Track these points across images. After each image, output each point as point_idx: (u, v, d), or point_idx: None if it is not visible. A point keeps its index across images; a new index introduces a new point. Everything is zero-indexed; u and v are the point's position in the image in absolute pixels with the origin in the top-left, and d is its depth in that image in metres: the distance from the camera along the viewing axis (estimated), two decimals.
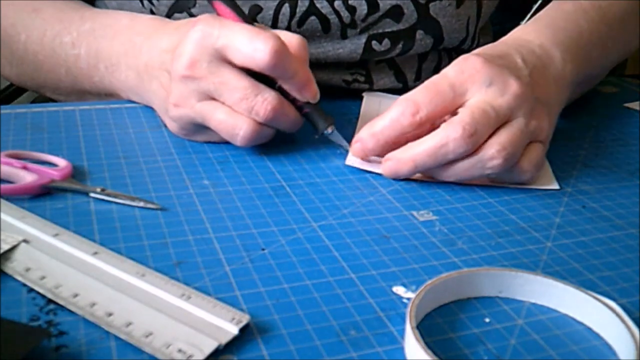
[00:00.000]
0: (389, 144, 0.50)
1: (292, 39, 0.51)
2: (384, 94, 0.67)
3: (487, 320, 0.36)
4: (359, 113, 0.62)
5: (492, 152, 0.47)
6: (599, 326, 0.36)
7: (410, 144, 0.49)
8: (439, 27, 0.66)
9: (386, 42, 0.65)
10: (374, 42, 0.65)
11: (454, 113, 0.48)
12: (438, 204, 0.48)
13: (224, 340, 0.33)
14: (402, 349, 0.34)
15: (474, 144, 0.47)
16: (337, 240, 0.43)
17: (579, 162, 0.56)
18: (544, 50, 0.55)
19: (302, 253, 0.41)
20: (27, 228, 0.40)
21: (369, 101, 0.65)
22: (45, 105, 0.60)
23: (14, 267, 0.37)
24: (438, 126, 0.48)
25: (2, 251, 0.38)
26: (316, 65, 0.53)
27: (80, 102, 0.63)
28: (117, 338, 0.33)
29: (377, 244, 0.42)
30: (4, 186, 0.45)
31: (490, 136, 0.47)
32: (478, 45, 0.71)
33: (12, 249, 0.38)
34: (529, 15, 0.61)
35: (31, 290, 0.36)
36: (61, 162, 0.48)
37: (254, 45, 0.48)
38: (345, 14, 0.63)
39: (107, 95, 0.62)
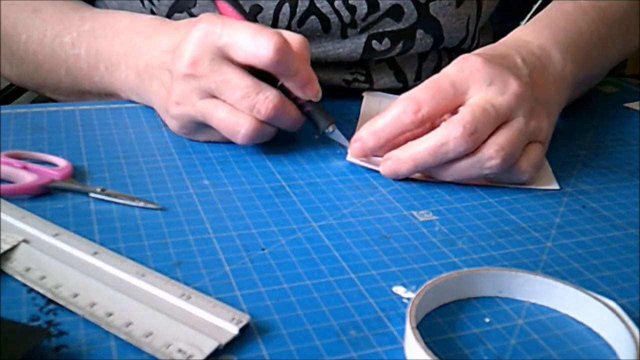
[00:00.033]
0: (389, 142, 0.50)
1: (293, 38, 0.51)
2: (384, 94, 0.67)
3: (487, 320, 0.36)
4: (359, 113, 0.62)
5: (491, 152, 0.47)
6: (599, 326, 0.36)
7: (410, 143, 0.49)
8: (439, 26, 0.66)
9: (386, 42, 0.65)
10: (374, 42, 0.65)
11: (454, 112, 0.48)
12: (438, 204, 0.48)
13: (224, 340, 0.33)
14: (402, 349, 0.34)
15: (475, 143, 0.47)
16: (337, 240, 0.43)
17: (579, 162, 0.56)
18: (544, 51, 0.55)
19: (302, 253, 0.41)
20: (27, 228, 0.40)
21: (369, 101, 0.65)
22: (45, 105, 0.60)
23: (14, 267, 0.37)
24: (438, 125, 0.48)
25: (2, 251, 0.38)
26: (316, 64, 0.53)
27: (80, 102, 0.63)
28: (117, 338, 0.33)
29: (377, 244, 0.42)
30: (4, 186, 0.45)
31: (489, 136, 0.47)
32: (478, 45, 0.71)
33: (12, 249, 0.38)
34: (528, 16, 0.61)
35: (31, 290, 0.36)
36: (61, 162, 0.48)
37: (257, 42, 0.48)
38: (345, 14, 0.63)
39: (107, 95, 0.62)
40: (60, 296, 0.35)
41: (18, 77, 0.69)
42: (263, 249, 0.41)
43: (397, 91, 0.59)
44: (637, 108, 0.70)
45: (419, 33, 0.65)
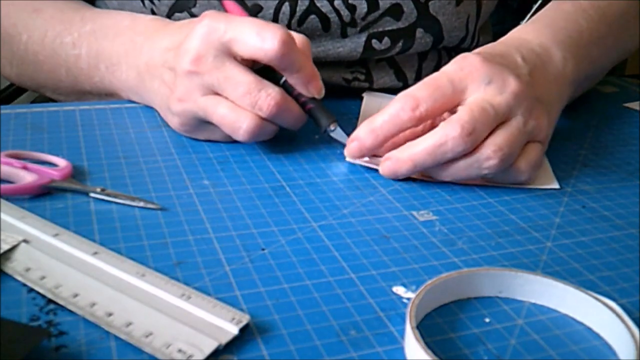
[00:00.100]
0: (387, 140, 0.50)
1: (296, 37, 0.52)
2: (384, 94, 0.67)
3: (487, 320, 0.36)
4: (359, 113, 0.62)
5: (489, 153, 0.47)
6: (599, 326, 0.36)
7: (409, 144, 0.49)
8: (438, 25, 0.66)
9: (386, 41, 0.65)
10: (374, 41, 0.65)
11: (453, 111, 0.48)
12: (438, 204, 0.48)
13: (224, 340, 0.33)
14: (402, 349, 0.34)
15: (473, 143, 0.47)
16: (337, 240, 0.43)
17: (579, 162, 0.56)
18: (544, 49, 0.55)
19: (302, 253, 0.41)
20: (27, 228, 0.40)
21: (369, 101, 0.65)
22: (45, 105, 0.60)
23: (14, 267, 0.37)
24: (437, 125, 0.48)
25: (2, 251, 0.38)
26: (316, 64, 0.53)
27: (80, 102, 0.63)
28: (117, 338, 0.33)
29: (377, 244, 0.42)
30: (4, 186, 0.45)
31: (487, 136, 0.47)
32: (478, 44, 0.71)
33: (12, 249, 0.38)
34: (529, 15, 0.61)
35: (31, 290, 0.36)
36: (61, 162, 0.48)
37: (262, 36, 0.48)
38: (345, 13, 0.63)
39: (107, 95, 0.62)
40: (60, 296, 0.35)
41: (18, 77, 0.69)
42: (263, 249, 0.41)
43: (397, 90, 0.59)
44: (637, 108, 0.70)
45: (419, 32, 0.65)
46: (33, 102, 0.91)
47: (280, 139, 0.54)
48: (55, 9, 0.64)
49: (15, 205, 0.43)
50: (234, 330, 0.33)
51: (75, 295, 0.35)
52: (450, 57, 0.70)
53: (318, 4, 0.62)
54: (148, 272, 0.37)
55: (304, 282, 0.38)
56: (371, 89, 0.68)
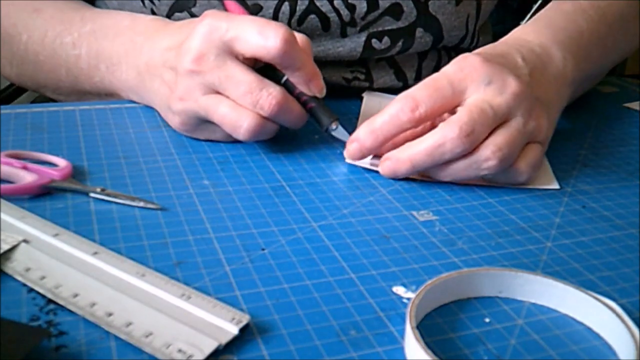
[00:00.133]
0: (387, 141, 0.50)
1: (297, 36, 0.52)
2: (384, 94, 0.67)
3: (487, 320, 0.36)
4: (359, 113, 0.62)
5: (488, 153, 0.47)
6: (599, 326, 0.36)
7: (408, 144, 0.49)
8: (438, 24, 0.66)
9: (386, 40, 0.65)
10: (373, 40, 0.65)
11: (452, 112, 0.48)
12: (438, 204, 0.48)
13: (224, 340, 0.33)
14: (402, 349, 0.34)
15: (472, 144, 0.47)
16: (337, 240, 0.43)
17: (579, 162, 0.56)
18: (545, 50, 0.55)
19: (302, 253, 0.41)
20: (27, 228, 0.40)
21: (369, 101, 0.65)
22: (45, 105, 0.60)
23: (14, 267, 0.37)
24: (437, 126, 0.48)
25: (2, 251, 0.38)
26: (316, 63, 0.53)
27: (80, 102, 0.63)
28: (117, 338, 0.33)
29: (377, 244, 0.42)
30: (4, 186, 0.45)
31: (487, 136, 0.47)
32: (478, 44, 0.71)
33: (12, 249, 0.38)
34: (528, 15, 0.62)
35: (31, 290, 0.36)
36: (61, 162, 0.48)
37: (264, 34, 0.48)
38: (345, 12, 0.63)
39: (108, 95, 0.62)
40: (60, 296, 0.35)
41: (18, 77, 0.69)
42: (263, 249, 0.41)
43: (397, 90, 0.59)
44: (637, 108, 0.70)
45: (419, 32, 0.65)
46: (33, 102, 0.91)
47: (281, 138, 0.54)
48: (55, 9, 0.64)
49: (15, 205, 0.43)
50: (234, 330, 0.33)
51: (75, 295, 0.35)
52: (450, 57, 0.70)
53: (318, 4, 0.62)
54: (148, 272, 0.37)
55: (304, 282, 0.38)
56: (371, 88, 0.68)
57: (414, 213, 0.46)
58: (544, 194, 0.50)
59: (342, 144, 0.53)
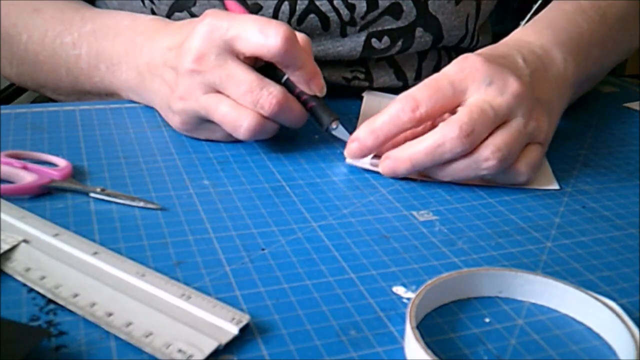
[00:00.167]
0: (388, 141, 0.50)
1: (297, 35, 0.52)
2: (384, 94, 0.67)
3: (487, 320, 0.36)
4: (359, 112, 0.62)
5: (487, 154, 0.47)
6: (599, 326, 0.36)
7: (408, 143, 0.49)
8: (438, 24, 0.66)
9: (386, 40, 0.65)
10: (373, 40, 0.65)
11: (453, 112, 0.48)
12: (438, 204, 0.48)
13: (224, 340, 0.33)
14: (402, 349, 0.34)
15: (471, 144, 0.47)
16: (337, 240, 0.43)
17: (579, 162, 0.56)
18: (545, 51, 0.55)
19: (302, 253, 0.41)
20: (27, 228, 0.40)
21: (369, 100, 0.65)
22: (45, 105, 0.60)
23: (14, 267, 0.37)
24: (437, 126, 0.48)
25: (2, 251, 0.38)
26: (316, 63, 0.53)
27: (80, 102, 0.63)
28: (117, 338, 0.33)
29: (377, 244, 0.42)
30: (4, 186, 0.45)
31: (487, 136, 0.47)
32: (477, 44, 0.71)
33: (12, 249, 0.38)
34: (528, 16, 0.61)
35: (31, 290, 0.36)
36: (61, 162, 0.48)
37: (265, 33, 0.49)
38: (344, 12, 0.63)
39: (108, 95, 0.62)
40: (60, 296, 0.35)
41: (18, 77, 0.69)
42: (263, 249, 0.41)
43: (397, 90, 0.59)
44: (637, 108, 0.70)
45: (419, 31, 0.65)
46: (33, 102, 0.91)
47: (281, 138, 0.54)
48: (55, 9, 0.64)
49: (15, 205, 0.43)
50: (234, 330, 0.33)
51: (75, 295, 0.35)
52: (450, 57, 0.70)
53: (317, 3, 0.62)
54: (148, 272, 0.37)
55: (304, 282, 0.38)
56: (371, 88, 0.68)
57: (414, 213, 0.46)
58: (544, 194, 0.50)
59: (343, 144, 0.53)
